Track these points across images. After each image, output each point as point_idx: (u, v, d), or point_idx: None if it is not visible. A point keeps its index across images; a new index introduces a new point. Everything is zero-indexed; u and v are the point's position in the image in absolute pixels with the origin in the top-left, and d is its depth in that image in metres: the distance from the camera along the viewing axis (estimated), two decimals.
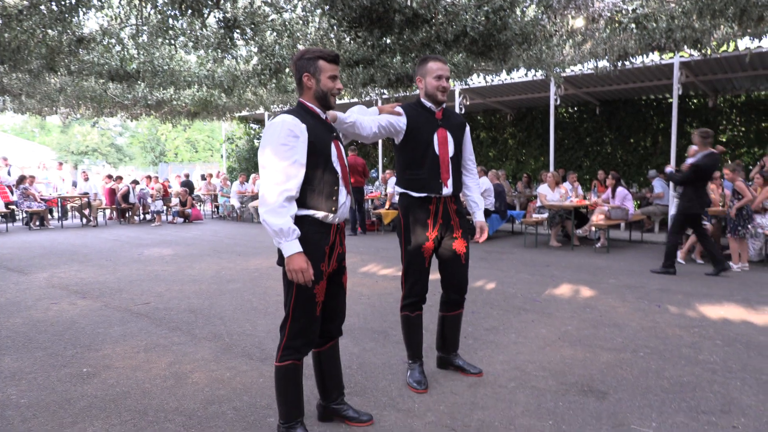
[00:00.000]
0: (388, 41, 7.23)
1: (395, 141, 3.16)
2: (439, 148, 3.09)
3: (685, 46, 7.66)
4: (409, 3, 5.98)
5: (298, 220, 2.38)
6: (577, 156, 14.47)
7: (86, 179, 15.15)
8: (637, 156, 13.57)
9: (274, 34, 7.35)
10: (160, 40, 7.10)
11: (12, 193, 14.04)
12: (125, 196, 14.89)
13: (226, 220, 15.69)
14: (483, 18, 6.36)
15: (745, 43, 8.96)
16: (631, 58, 8.19)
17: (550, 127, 11.47)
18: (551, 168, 11.52)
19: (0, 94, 10.94)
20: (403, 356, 3.70)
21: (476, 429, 2.69)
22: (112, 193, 15.12)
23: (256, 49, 7.99)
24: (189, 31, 6.90)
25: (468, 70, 9.30)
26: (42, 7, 5.81)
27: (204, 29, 6.82)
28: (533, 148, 15.25)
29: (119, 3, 6.30)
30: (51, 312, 5.05)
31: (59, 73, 8.64)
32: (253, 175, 15.87)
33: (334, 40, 7.45)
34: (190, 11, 5.75)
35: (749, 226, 7.05)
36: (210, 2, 5.73)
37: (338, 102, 11.60)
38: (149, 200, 14.97)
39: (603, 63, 8.86)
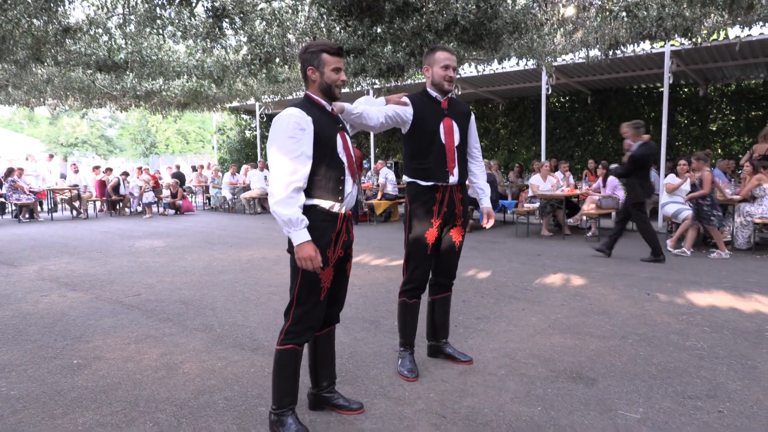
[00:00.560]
0: (379, 30, 7.19)
1: (402, 131, 3.17)
2: (445, 137, 3.12)
3: (676, 35, 7.67)
4: None
5: (306, 210, 2.44)
6: (569, 146, 14.51)
7: (76, 171, 15.03)
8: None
9: (264, 23, 7.29)
10: (147, 29, 7.03)
11: (0, 186, 13.91)
12: (116, 188, 14.78)
13: (218, 211, 15.64)
14: (473, 6, 6.34)
15: (735, 32, 8.98)
16: (622, 47, 8.19)
17: (542, 116, 11.48)
18: (543, 157, 11.54)
19: None
20: (394, 345, 3.72)
21: (465, 416, 2.71)
22: (102, 185, 15.01)
23: (245, 39, 7.93)
24: (177, 21, 6.83)
25: (459, 59, 9.27)
26: None
27: (192, 18, 6.75)
28: (525, 138, 15.27)
29: None
30: (41, 304, 5.03)
31: (46, 64, 8.53)
32: (244, 167, 15.80)
33: (324, 29, 7.39)
34: (177, 0, 5.69)
35: (714, 215, 7.11)
36: None
37: None
38: (135, 192, 14.83)
39: (594, 52, 8.86)
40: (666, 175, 8.70)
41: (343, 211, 2.52)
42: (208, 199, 16.95)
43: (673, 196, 7.98)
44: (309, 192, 2.45)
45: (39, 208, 14.21)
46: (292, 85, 12.09)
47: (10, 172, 13.36)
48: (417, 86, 12.79)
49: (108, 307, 4.92)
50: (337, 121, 2.59)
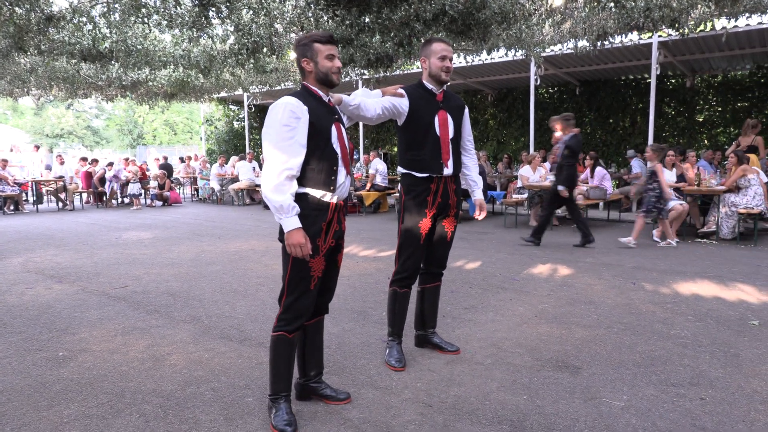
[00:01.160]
0: (367, 20, 7.16)
1: (398, 122, 3.18)
2: (440, 129, 3.14)
3: (663, 26, 7.71)
4: None
5: (298, 198, 2.46)
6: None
7: (62, 163, 14.84)
8: (616, 136, 13.71)
9: (251, 12, 7.22)
10: (132, 18, 6.93)
11: None
12: (102, 179, 14.63)
13: (206, 203, 15.54)
14: None
15: (722, 23, 9.04)
16: (610, 37, 8.22)
17: (531, 107, 11.50)
18: (531, 149, 11.58)
19: None
20: (382, 336, 3.74)
21: (452, 405, 2.73)
22: (88, 176, 14.85)
23: (232, 28, 7.85)
24: (162, 9, 6.74)
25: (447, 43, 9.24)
26: None
27: (178, 7, 6.67)
28: (514, 129, 15.30)
29: None
30: (26, 297, 4.98)
31: (29, 53, 8.40)
32: (233, 158, 15.69)
33: (312, 18, 7.34)
34: None
35: (662, 206, 7.19)
36: None
37: None
38: (116, 183, 14.66)
39: (582, 43, 8.88)
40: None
41: (334, 200, 2.53)
42: (196, 190, 16.83)
43: None
44: (301, 181, 2.46)
45: (24, 200, 14.04)
46: (280, 75, 12.01)
47: None
48: (406, 76, 12.76)
49: (94, 299, 4.88)
50: (333, 112, 2.60)
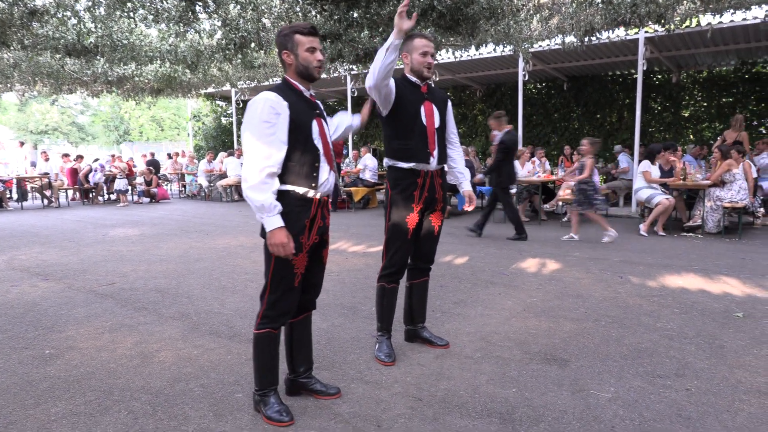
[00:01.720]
0: (356, 15, 7.13)
1: (382, 113, 3.16)
2: (426, 119, 3.15)
3: (650, 21, 7.77)
4: None
5: (280, 195, 2.43)
6: (545, 132, 14.64)
7: (47, 159, 14.65)
8: (604, 131, 13.80)
9: (238, 7, 7.16)
10: (118, 12, 6.85)
11: None
12: (88, 175, 14.47)
13: (194, 199, 15.43)
14: None
15: (707, 19, 9.11)
16: (597, 33, 8.27)
17: (519, 103, 11.54)
18: (520, 144, 11.62)
19: None
20: (372, 331, 3.74)
21: (442, 398, 2.74)
22: (74, 173, 14.67)
23: (219, 23, 7.78)
24: (148, 4, 6.67)
25: (436, 45, 9.25)
26: None
27: (164, 1, 6.61)
28: None
29: None
30: (11, 294, 4.92)
31: (12, 48, 8.26)
32: (221, 154, 15.59)
33: (300, 13, 7.30)
34: None
35: (597, 199, 7.32)
36: None
37: None
38: (97, 176, 14.49)
39: (570, 38, 8.91)
40: (639, 162, 8.85)
41: (318, 196, 2.51)
42: (184, 186, 16.71)
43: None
44: (283, 178, 2.43)
45: (8, 197, 13.85)
46: (268, 70, 11.93)
47: None
48: (395, 72, 12.73)
49: (81, 296, 4.84)
50: (314, 107, 2.56)
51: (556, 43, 9.78)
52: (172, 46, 9.12)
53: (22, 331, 3.90)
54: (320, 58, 2.50)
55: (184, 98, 17.57)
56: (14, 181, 14.05)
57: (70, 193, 14.93)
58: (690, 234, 7.79)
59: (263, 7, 7.17)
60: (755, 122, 11.96)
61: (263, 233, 2.43)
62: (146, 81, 12.02)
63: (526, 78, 11.45)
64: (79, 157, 15.06)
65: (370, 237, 7.95)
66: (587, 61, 12.20)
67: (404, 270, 3.30)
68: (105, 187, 14.99)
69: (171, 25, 7.30)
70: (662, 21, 7.62)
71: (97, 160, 15.07)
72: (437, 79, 13.69)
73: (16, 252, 7.07)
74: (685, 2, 7.21)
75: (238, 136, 18.08)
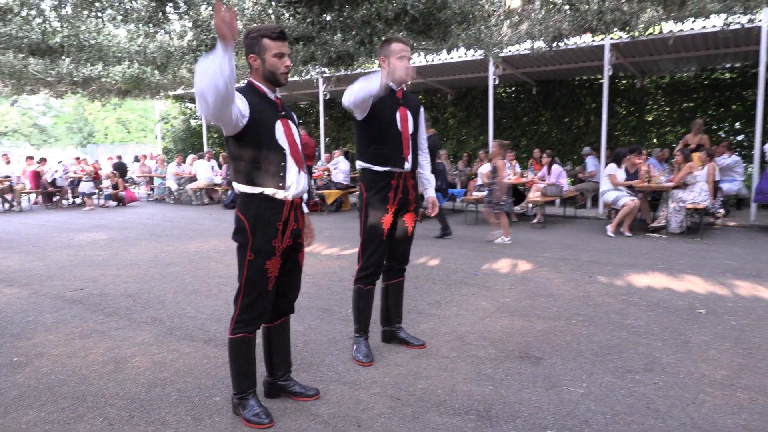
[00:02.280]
0: (329, 18, 7.15)
1: (357, 117, 3.18)
2: (401, 125, 3.20)
3: (615, 28, 8.00)
4: None
5: (249, 198, 2.44)
6: (515, 135, 14.87)
7: (8, 162, 14.19)
8: (571, 135, 14.10)
9: (210, 8, 7.09)
10: (85, 12, 6.70)
11: None
12: (54, 179, 14.06)
13: (163, 203, 15.16)
14: None
15: (669, 27, 9.43)
16: (565, 39, 8.47)
17: (489, 106, 11.71)
18: (490, 148, 11.78)
19: None
20: (348, 332, 3.76)
21: (420, 397, 2.78)
22: (36, 176, 14.25)
23: (190, 24, 7.69)
24: (117, 4, 6.55)
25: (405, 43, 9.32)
26: None
27: (134, 2, 6.50)
28: (473, 128, 15.54)
29: None
30: None
31: None
32: (190, 157, 15.37)
33: (272, 15, 7.27)
34: None
35: (504, 201, 7.52)
36: None
37: None
38: (59, 173, 14.12)
39: (539, 44, 9.10)
40: (606, 164, 9.08)
41: (290, 198, 2.50)
42: (152, 189, 16.40)
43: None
44: (252, 179, 2.43)
45: None
46: (240, 72, 11.82)
47: None
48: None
49: (48, 302, 4.72)
50: (279, 109, 2.53)
51: (526, 48, 9.97)
52: (141, 46, 8.97)
53: None
54: (288, 63, 2.48)
55: (152, 100, 17.26)
56: None
57: (33, 196, 14.49)
58: (654, 234, 8.03)
59: (235, 9, 7.11)
60: (714, 126, 12.40)
61: (236, 236, 2.46)
62: (113, 82, 11.76)
63: (497, 82, 11.63)
64: (43, 160, 14.64)
65: (344, 239, 7.96)
66: (555, 66, 12.46)
67: (380, 271, 3.34)
68: (69, 191, 14.59)
69: (140, 25, 7.18)
70: (627, 28, 7.86)
71: (60, 162, 14.65)
72: (409, 81, 13.79)
73: None
74: (648, 10, 7.46)
75: (208, 139, 17.87)
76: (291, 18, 7.13)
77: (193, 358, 3.37)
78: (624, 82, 13.39)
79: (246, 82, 2.54)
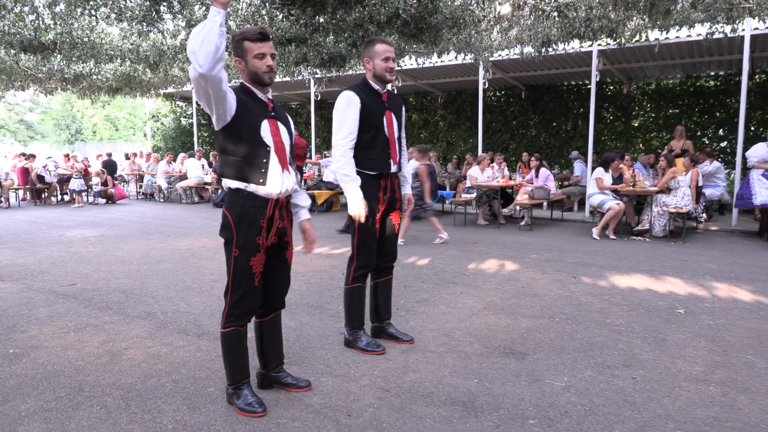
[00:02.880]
0: (321, 20, 7.24)
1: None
2: (387, 130, 3.31)
3: (602, 35, 8.18)
4: None
5: (235, 195, 2.51)
6: (504, 138, 15.06)
7: None
8: (559, 139, 14.31)
9: (203, 8, 7.15)
10: (79, 10, 6.74)
11: None
12: (40, 175, 14.00)
13: (152, 200, 15.13)
14: (414, 1, 6.50)
15: (655, 35, 9.64)
16: (553, 45, 8.63)
17: (479, 109, 11.87)
18: (480, 150, 11.95)
19: None
20: (338, 328, 3.86)
21: (408, 389, 2.89)
22: (25, 172, 14.17)
23: (183, 24, 7.74)
24: (111, 2, 6.59)
25: (400, 52, 9.45)
26: None
27: (128, 0, 6.55)
28: (463, 131, 15.70)
29: None
30: None
31: None
32: (181, 155, 15.36)
33: (266, 17, 7.35)
34: None
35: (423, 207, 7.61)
36: None
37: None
38: (50, 166, 14.06)
39: (528, 49, 9.26)
40: (593, 169, 9.26)
41: (274, 196, 2.55)
42: (141, 187, 16.35)
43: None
44: (233, 174, 2.50)
45: None
46: (232, 72, 11.88)
47: None
48: (358, 77, 12.87)
49: (41, 297, 4.76)
50: (269, 110, 2.58)
51: (515, 53, 10.14)
52: (134, 45, 9.00)
53: None
54: (270, 63, 2.50)
55: (142, 98, 17.22)
56: None
57: (21, 193, 14.42)
58: (639, 237, 8.21)
59: (229, 10, 7.19)
60: (699, 133, 12.66)
61: (223, 233, 2.54)
62: (104, 79, 11.75)
63: (486, 86, 11.78)
64: (32, 156, 14.56)
65: (334, 239, 8.05)
66: (544, 71, 12.65)
67: (372, 268, 3.44)
68: (58, 188, 14.53)
69: (134, 24, 7.22)
70: (614, 35, 8.05)
71: (50, 157, 14.58)
72: (399, 84, 13.92)
73: None
74: (634, 18, 7.64)
75: (199, 137, 17.85)
76: (284, 19, 7.22)
77: (187, 351, 3.45)
78: (611, 87, 13.62)
79: (239, 83, 2.62)
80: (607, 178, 8.53)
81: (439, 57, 10.32)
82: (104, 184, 14.30)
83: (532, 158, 10.40)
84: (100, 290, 4.98)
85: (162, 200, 14.88)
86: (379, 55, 3.24)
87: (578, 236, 8.33)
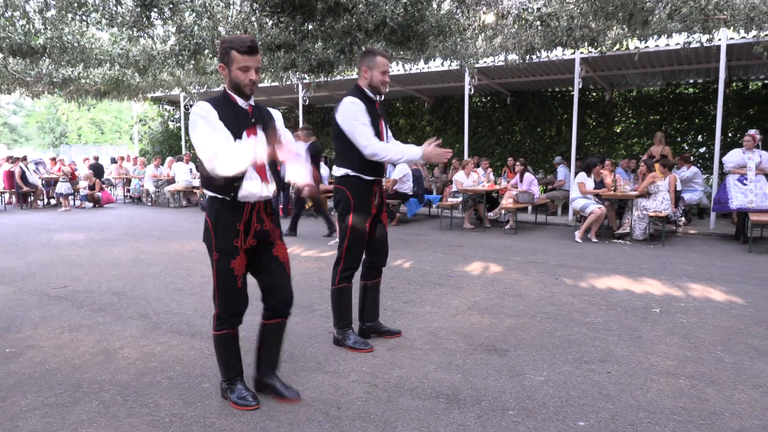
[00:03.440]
0: (310, 27, 7.37)
1: (344, 130, 3.40)
2: (380, 137, 3.48)
3: (584, 44, 8.41)
4: None
5: (212, 200, 2.59)
6: (490, 143, 15.29)
7: None
8: (543, 144, 14.57)
9: (194, 15, 7.26)
10: (70, 15, 6.81)
11: None
12: (25, 178, 13.94)
13: (139, 204, 15.12)
14: (401, 9, 6.66)
15: (635, 44, 9.91)
16: (537, 52, 8.84)
17: (465, 115, 12.07)
18: (466, 155, 12.14)
19: None
20: (328, 327, 3.98)
21: (395, 384, 3.03)
22: (10, 176, 14.11)
23: (173, 30, 7.83)
24: (103, 8, 6.67)
25: (387, 58, 9.60)
26: None
27: (119, 6, 6.63)
28: (449, 136, 15.89)
29: None
30: None
31: None
32: (168, 159, 15.38)
33: (255, 24, 7.47)
34: None
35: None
36: None
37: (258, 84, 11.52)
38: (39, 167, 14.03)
39: (512, 56, 9.47)
40: (576, 174, 9.48)
41: (251, 201, 2.59)
42: (128, 191, 16.33)
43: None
44: (215, 189, 2.54)
45: None
46: (220, 77, 11.95)
47: None
48: (346, 82, 13.03)
49: (34, 299, 4.83)
50: (248, 117, 2.57)
51: (500, 60, 10.34)
52: (123, 50, 9.06)
53: None
54: (253, 77, 2.49)
55: (129, 101, 17.19)
56: None
57: (6, 196, 14.34)
58: (619, 240, 8.43)
59: (219, 16, 7.30)
60: (678, 138, 12.98)
61: (206, 239, 2.63)
62: (92, 83, 11.77)
63: (472, 92, 11.99)
64: (18, 159, 14.49)
65: (322, 242, 8.17)
66: (529, 78, 12.90)
67: (356, 270, 3.59)
68: (45, 191, 14.48)
69: (124, 29, 7.29)
70: (595, 44, 8.28)
71: (39, 163, 14.53)
72: (386, 90, 14.08)
73: None
74: (614, 28, 7.88)
75: (186, 141, 17.86)
76: (274, 26, 7.34)
77: (181, 350, 3.55)
78: (594, 94, 13.91)
79: (222, 89, 2.65)
80: (590, 183, 8.75)
81: (425, 63, 10.52)
82: (92, 188, 14.28)
83: (517, 163, 10.61)
84: (92, 292, 5.06)
85: (150, 204, 14.89)
86: (379, 67, 3.40)
87: (561, 239, 8.53)
